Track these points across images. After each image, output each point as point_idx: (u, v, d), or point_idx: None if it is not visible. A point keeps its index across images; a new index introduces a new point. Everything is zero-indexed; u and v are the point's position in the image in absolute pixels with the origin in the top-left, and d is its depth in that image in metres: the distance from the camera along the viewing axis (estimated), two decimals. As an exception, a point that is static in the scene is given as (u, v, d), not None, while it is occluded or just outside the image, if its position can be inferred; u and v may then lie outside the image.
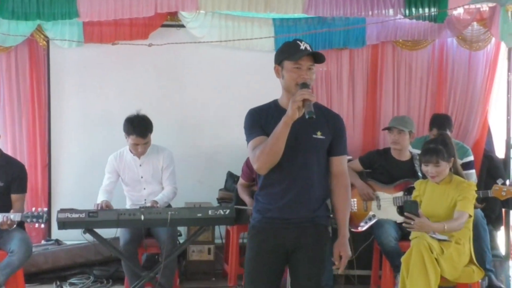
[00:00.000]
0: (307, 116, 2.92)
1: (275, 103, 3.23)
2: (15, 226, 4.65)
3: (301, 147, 3.11)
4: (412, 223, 4.08)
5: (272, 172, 3.11)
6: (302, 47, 3.09)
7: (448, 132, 5.44)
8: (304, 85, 3.02)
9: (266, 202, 3.20)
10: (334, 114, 3.33)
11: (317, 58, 3.12)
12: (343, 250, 3.15)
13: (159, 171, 5.26)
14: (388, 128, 5.31)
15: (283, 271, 3.27)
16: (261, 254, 3.19)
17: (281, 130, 2.99)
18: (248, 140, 3.18)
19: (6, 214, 4.60)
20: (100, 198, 5.03)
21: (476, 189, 4.41)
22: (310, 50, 3.11)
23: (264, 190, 3.21)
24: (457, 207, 4.29)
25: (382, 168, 5.29)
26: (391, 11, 5.68)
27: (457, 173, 4.47)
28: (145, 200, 5.18)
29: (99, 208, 4.80)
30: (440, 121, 5.55)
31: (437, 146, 4.35)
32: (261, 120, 3.17)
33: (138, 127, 5.05)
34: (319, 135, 3.14)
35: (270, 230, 3.18)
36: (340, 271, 3.20)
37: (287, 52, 3.14)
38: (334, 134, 3.20)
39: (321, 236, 3.20)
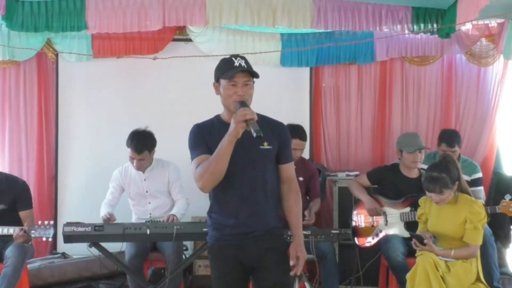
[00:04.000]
0: (255, 135, 2.93)
1: (217, 119, 3.25)
2: (31, 242, 4.69)
3: (250, 160, 3.12)
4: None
5: (225, 188, 3.12)
6: (236, 63, 3.10)
7: (457, 148, 5.42)
8: (243, 104, 3.05)
9: (222, 219, 3.20)
10: (278, 122, 3.35)
11: (253, 73, 3.14)
12: (300, 250, 3.19)
13: (165, 185, 5.24)
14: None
15: (248, 281, 3.30)
16: (226, 271, 3.22)
17: (225, 149, 3.00)
18: (192, 157, 3.17)
19: (19, 227, 4.61)
20: (103, 211, 5.01)
21: (484, 212, 4.33)
22: (245, 67, 3.10)
23: (219, 207, 3.21)
24: (468, 237, 4.27)
25: (390, 184, 5.24)
26: (398, 27, 5.66)
27: (463, 191, 4.40)
28: (150, 214, 5.18)
29: (105, 219, 4.80)
30: (448, 137, 5.51)
31: (440, 174, 4.25)
32: (205, 136, 3.17)
33: (135, 142, 5.05)
34: (266, 145, 3.18)
35: (231, 247, 3.19)
36: (298, 273, 3.18)
37: (222, 69, 3.14)
38: (280, 143, 3.25)
39: (281, 243, 3.26)
